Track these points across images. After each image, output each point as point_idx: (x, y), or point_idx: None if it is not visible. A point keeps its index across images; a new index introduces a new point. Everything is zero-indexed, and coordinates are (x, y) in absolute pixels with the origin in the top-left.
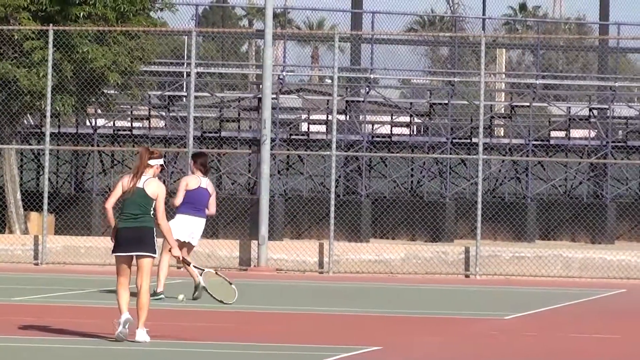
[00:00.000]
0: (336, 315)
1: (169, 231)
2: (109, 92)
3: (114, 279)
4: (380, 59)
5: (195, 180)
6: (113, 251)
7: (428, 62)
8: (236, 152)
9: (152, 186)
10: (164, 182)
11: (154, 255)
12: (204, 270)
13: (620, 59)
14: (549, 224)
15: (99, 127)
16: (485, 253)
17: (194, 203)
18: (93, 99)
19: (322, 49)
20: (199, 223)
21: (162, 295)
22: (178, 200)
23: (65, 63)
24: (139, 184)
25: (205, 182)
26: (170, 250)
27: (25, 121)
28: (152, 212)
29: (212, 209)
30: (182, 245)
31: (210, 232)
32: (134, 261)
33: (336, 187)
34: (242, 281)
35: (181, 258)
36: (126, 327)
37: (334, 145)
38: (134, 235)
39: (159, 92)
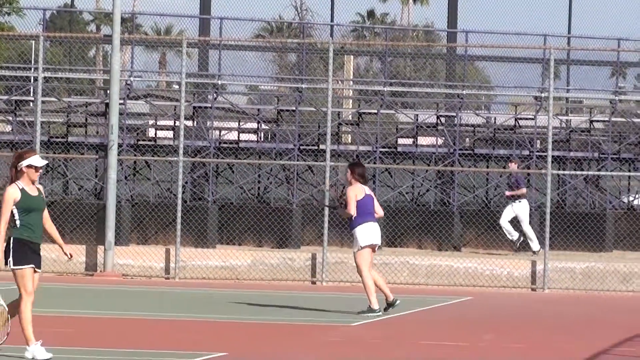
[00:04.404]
0: (182, 321)
1: None
2: None
3: None
4: (228, 65)
5: (361, 190)
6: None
7: (276, 69)
8: (83, 157)
9: None
10: None
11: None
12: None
13: (468, 67)
14: (396, 231)
15: None
16: (332, 260)
17: (368, 210)
18: None
19: (170, 55)
20: (378, 227)
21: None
22: (353, 210)
23: None
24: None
25: (368, 190)
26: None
27: None
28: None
29: (380, 211)
30: (373, 248)
31: None
32: None
33: (183, 192)
34: (88, 286)
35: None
36: None
37: (181, 151)
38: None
39: (6, 97)
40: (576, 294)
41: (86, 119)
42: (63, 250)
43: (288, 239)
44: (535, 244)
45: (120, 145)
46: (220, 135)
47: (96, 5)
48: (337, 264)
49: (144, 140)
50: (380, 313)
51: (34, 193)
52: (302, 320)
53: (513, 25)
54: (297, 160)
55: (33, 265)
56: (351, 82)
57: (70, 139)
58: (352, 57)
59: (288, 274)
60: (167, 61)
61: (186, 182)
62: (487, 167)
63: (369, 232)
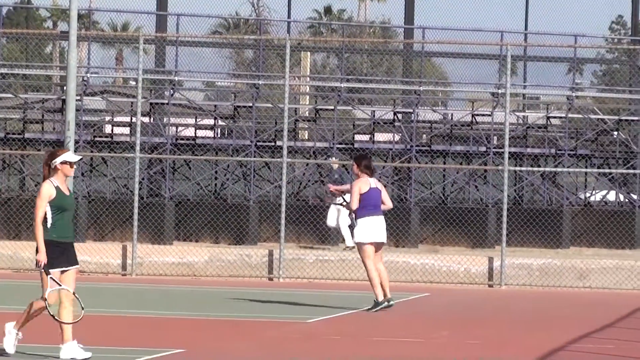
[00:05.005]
0: (139, 318)
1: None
2: None
3: None
4: (185, 62)
5: (366, 183)
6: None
7: (232, 65)
8: (40, 153)
9: None
10: None
11: None
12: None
13: (425, 63)
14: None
15: None
16: (289, 256)
17: (372, 203)
18: None
19: (127, 51)
20: (381, 220)
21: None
22: (354, 204)
23: None
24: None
25: (374, 183)
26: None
27: None
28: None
29: (388, 203)
30: (374, 246)
31: (13, 233)
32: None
33: (140, 189)
34: None
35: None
36: None
37: (137, 148)
38: None
39: None
40: (533, 290)
41: (43, 115)
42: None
43: (245, 236)
44: (348, 240)
45: (76, 142)
46: (177, 131)
47: (53, 2)
48: (294, 261)
49: (100, 136)
50: (385, 304)
51: (67, 192)
52: (259, 317)
53: (470, 21)
54: (254, 157)
55: (62, 267)
56: (308, 79)
57: (26, 135)
58: (309, 53)
59: (245, 270)
60: (123, 57)
61: (143, 179)
62: (444, 163)
63: (369, 228)
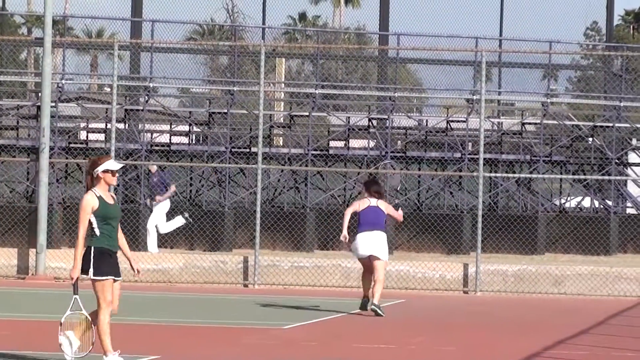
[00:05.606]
0: (114, 324)
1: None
2: None
3: None
4: (160, 68)
5: (363, 202)
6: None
7: (207, 71)
8: (14, 160)
9: None
10: None
11: None
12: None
13: (400, 70)
14: (327, 234)
15: None
16: (264, 263)
17: (365, 221)
18: None
19: (102, 57)
20: (377, 235)
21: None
22: (344, 221)
23: None
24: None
25: (375, 202)
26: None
27: None
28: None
29: (397, 217)
30: (368, 260)
31: None
32: None
33: (115, 195)
34: (19, 290)
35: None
36: None
37: (112, 154)
38: None
39: None
40: (508, 296)
41: (17, 122)
42: (131, 265)
43: (220, 242)
44: (153, 246)
45: (51, 148)
46: (152, 137)
47: (27, 8)
48: (269, 267)
49: (75, 143)
50: (364, 303)
51: (111, 201)
52: (234, 323)
53: (445, 27)
54: (229, 163)
55: (113, 276)
56: (283, 85)
57: (1, 141)
58: (283, 59)
59: (220, 276)
60: (98, 64)
61: (118, 185)
62: (419, 169)
63: (360, 244)
